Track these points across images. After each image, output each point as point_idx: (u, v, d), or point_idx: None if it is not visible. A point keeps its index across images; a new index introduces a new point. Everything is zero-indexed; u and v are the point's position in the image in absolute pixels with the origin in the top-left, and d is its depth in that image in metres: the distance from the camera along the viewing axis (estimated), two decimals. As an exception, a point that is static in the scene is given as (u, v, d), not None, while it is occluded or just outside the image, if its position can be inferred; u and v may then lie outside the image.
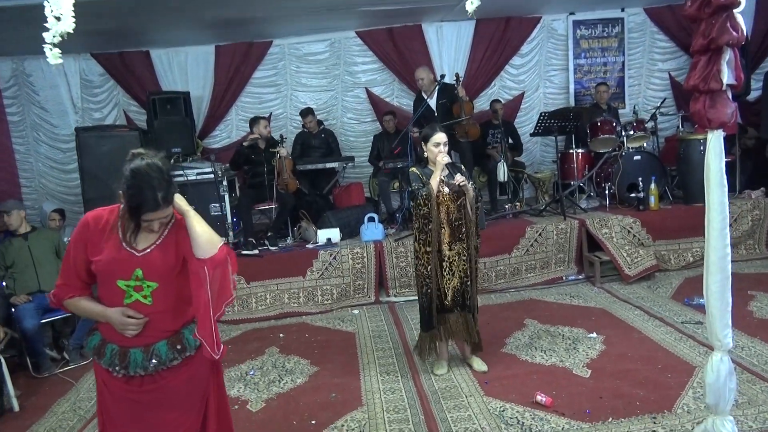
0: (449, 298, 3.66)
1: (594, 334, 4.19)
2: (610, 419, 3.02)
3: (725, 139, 6.33)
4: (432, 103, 6.14)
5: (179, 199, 1.99)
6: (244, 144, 5.88)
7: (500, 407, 3.26)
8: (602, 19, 7.38)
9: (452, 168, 3.64)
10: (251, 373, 4.07)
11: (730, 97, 2.37)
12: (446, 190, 3.57)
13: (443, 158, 3.54)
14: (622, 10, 7.38)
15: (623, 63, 7.50)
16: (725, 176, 2.42)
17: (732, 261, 5.74)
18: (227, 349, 2.96)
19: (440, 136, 3.60)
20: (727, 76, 2.29)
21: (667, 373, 3.50)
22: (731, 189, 6.23)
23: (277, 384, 3.86)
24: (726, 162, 6.38)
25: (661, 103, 6.77)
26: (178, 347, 2.04)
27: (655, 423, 2.95)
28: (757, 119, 7.21)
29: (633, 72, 7.59)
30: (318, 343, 4.60)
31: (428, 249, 3.60)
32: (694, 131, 6.44)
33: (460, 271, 3.63)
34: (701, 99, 2.36)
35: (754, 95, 7.30)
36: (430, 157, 3.64)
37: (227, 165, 6.00)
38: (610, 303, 4.90)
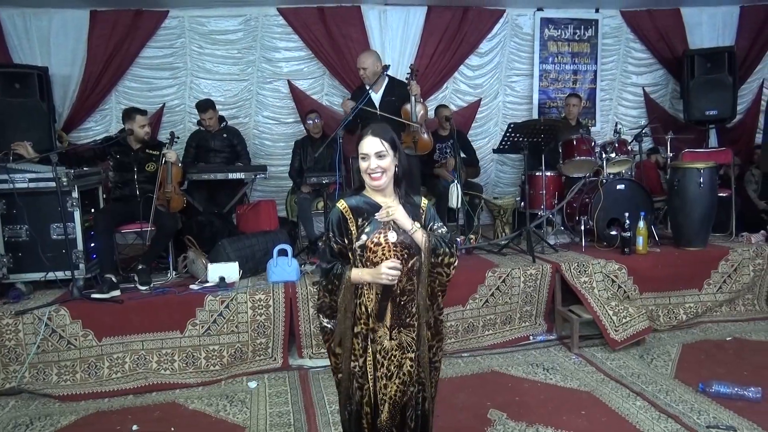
0: (384, 414, 2.21)
1: (592, 446, 2.91)
2: None
3: (716, 169, 5.28)
4: (376, 98, 4.72)
5: None
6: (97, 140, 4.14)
7: None
8: (574, 19, 6.25)
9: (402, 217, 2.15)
10: None
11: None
12: (392, 238, 2.14)
13: (387, 212, 2.07)
14: (597, 10, 6.27)
15: (595, 73, 6.40)
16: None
17: (731, 320, 4.72)
18: None
19: (371, 142, 2.09)
20: None
21: None
22: (725, 230, 5.23)
23: None
24: (720, 197, 5.33)
25: (648, 123, 5.68)
26: None
27: None
28: (735, 147, 6.29)
29: (605, 84, 6.51)
30: (186, 446, 3.07)
31: (357, 330, 2.17)
32: (680, 159, 5.39)
33: (403, 374, 2.21)
34: None
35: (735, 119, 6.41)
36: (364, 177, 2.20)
37: (85, 168, 4.35)
38: (598, 383, 3.64)
